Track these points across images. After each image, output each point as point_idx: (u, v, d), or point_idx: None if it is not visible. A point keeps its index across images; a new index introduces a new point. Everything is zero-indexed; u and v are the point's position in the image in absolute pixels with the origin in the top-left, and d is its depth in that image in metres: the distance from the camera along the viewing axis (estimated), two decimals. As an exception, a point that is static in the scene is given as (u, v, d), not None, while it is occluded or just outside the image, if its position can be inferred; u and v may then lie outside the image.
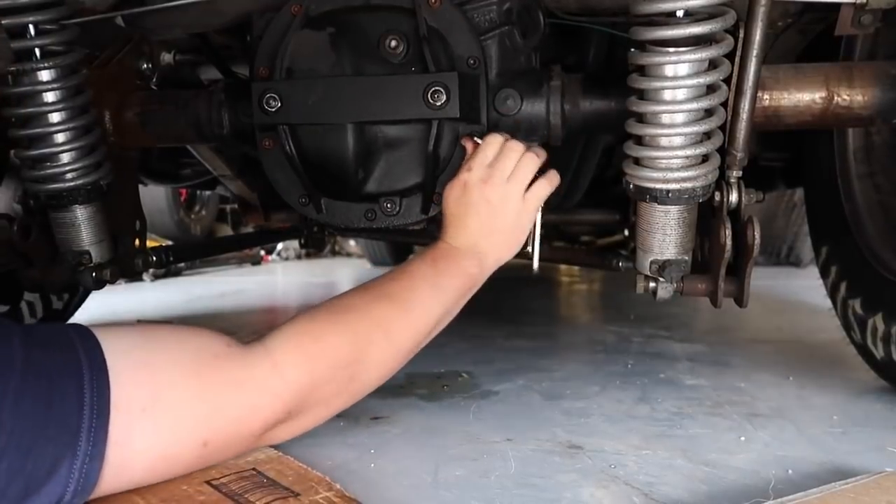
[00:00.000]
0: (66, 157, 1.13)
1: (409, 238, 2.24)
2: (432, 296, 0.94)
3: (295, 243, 5.65)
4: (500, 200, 1.00)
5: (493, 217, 1.00)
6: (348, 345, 0.85)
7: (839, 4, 1.02)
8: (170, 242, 3.77)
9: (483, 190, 1.00)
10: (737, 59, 0.95)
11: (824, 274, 1.45)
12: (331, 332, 0.85)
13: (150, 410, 0.68)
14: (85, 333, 0.70)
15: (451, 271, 0.97)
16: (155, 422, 0.69)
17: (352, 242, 5.80)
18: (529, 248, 1.08)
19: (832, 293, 1.42)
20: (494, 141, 1.03)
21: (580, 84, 1.11)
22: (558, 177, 1.07)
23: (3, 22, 0.99)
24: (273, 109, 1.07)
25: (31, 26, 1.04)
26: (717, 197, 1.00)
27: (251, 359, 0.79)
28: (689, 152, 0.94)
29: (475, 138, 1.06)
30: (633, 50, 0.94)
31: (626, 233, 2.37)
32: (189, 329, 0.81)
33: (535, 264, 1.10)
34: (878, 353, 1.28)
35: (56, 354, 0.66)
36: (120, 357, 0.69)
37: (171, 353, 0.75)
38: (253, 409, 0.77)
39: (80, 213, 1.18)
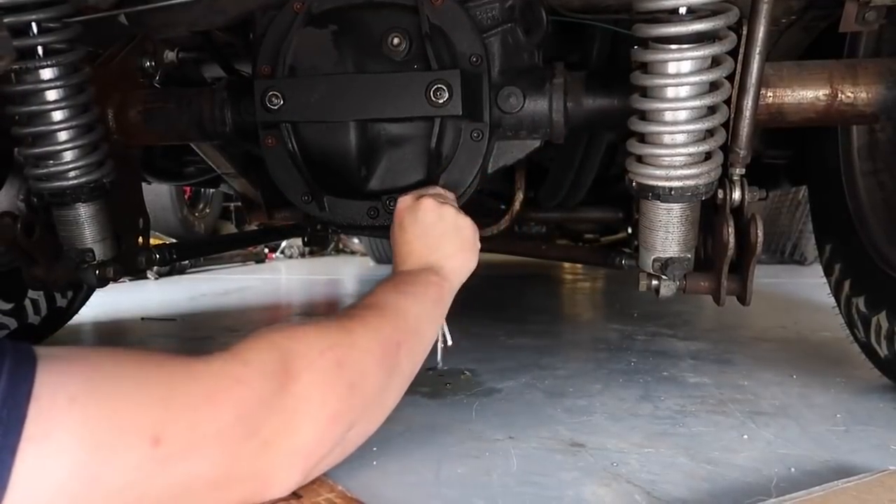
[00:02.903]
0: (68, 155, 1.13)
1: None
2: (401, 298, 0.92)
3: (299, 241, 5.66)
4: (435, 211, 1.01)
5: (434, 229, 1.01)
6: (318, 332, 0.79)
7: (843, 1, 1.02)
8: (173, 240, 3.78)
9: (416, 211, 1.01)
10: (740, 57, 0.94)
11: (828, 272, 1.44)
12: (296, 326, 0.80)
13: (80, 400, 0.59)
14: (20, 341, 0.63)
15: (411, 280, 0.97)
16: (85, 412, 0.59)
17: (355, 240, 5.80)
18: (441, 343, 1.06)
19: (836, 291, 1.41)
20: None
21: (583, 81, 1.11)
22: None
23: (5, 20, 0.99)
24: (275, 107, 1.07)
25: (33, 24, 1.04)
26: (720, 194, 1.00)
27: (207, 356, 0.72)
28: (691, 150, 0.94)
29: None
30: (635, 47, 0.94)
31: (629, 230, 2.36)
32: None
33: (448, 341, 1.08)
34: (882, 350, 1.27)
35: None
36: (53, 353, 0.62)
37: (114, 352, 0.68)
38: (211, 397, 0.67)
39: (84, 211, 1.19)
